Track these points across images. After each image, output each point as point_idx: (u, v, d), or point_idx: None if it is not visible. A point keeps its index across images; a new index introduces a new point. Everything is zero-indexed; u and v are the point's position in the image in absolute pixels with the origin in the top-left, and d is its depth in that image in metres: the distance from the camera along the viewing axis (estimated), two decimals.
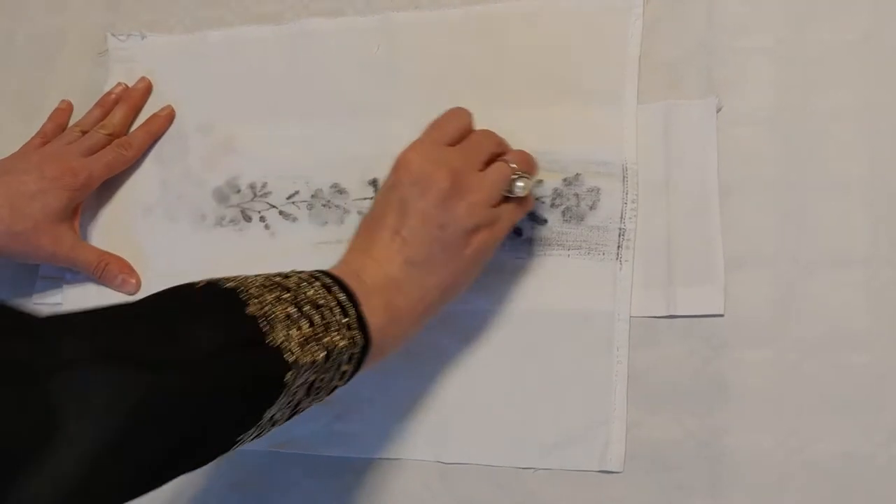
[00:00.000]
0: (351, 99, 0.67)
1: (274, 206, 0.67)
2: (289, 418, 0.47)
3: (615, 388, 0.57)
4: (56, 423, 0.36)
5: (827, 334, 0.54)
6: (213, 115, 0.70)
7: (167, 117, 0.72)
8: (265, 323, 0.44)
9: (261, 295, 0.45)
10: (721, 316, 0.56)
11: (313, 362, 0.45)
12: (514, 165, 0.54)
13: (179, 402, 0.41)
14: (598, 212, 0.59)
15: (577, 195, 0.60)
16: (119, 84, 0.73)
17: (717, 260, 0.57)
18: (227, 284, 0.46)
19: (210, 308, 0.45)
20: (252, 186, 0.68)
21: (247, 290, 0.45)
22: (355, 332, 0.48)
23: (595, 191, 0.60)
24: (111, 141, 0.70)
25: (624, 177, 0.59)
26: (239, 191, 0.68)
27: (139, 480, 0.40)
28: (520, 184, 0.54)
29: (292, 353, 0.44)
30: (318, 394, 0.48)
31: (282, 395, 0.44)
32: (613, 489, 0.56)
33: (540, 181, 0.61)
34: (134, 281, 0.69)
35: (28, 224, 0.65)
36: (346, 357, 0.48)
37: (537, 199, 0.61)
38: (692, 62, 0.61)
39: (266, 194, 0.67)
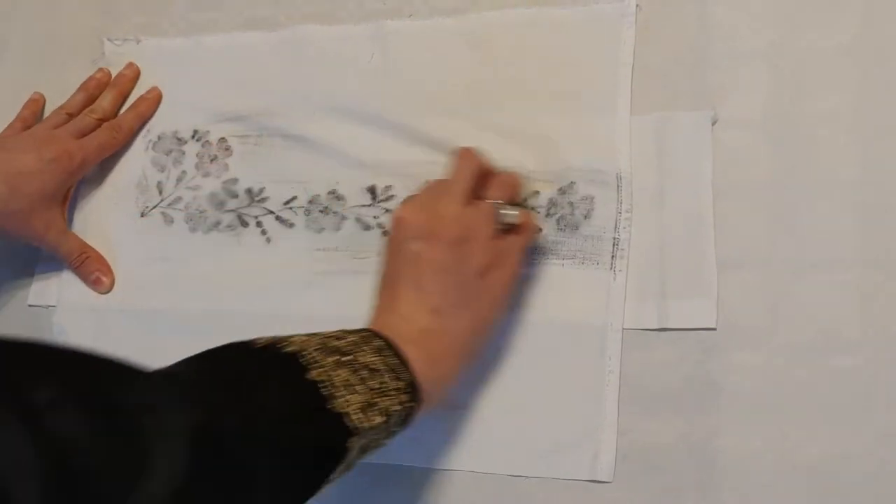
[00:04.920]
0: (346, 106, 0.67)
1: (271, 212, 0.67)
2: (338, 478, 0.47)
3: (606, 398, 0.57)
4: (147, 458, 0.36)
5: (817, 337, 0.55)
6: (209, 120, 0.70)
7: (154, 99, 0.72)
8: (326, 389, 0.45)
9: (320, 359, 0.46)
10: (713, 329, 0.57)
11: (372, 427, 0.46)
12: (492, 200, 0.56)
13: (245, 464, 0.41)
14: (593, 221, 0.60)
15: (571, 203, 0.60)
16: (100, 69, 0.74)
17: (711, 273, 0.57)
18: (288, 349, 0.46)
19: (272, 373, 0.45)
20: (249, 191, 0.68)
21: (304, 354, 0.46)
22: (407, 396, 0.49)
23: (589, 199, 0.60)
24: (100, 125, 0.70)
25: (618, 185, 0.60)
26: (236, 196, 0.68)
27: None
28: (509, 212, 0.56)
29: (352, 419, 0.45)
30: (368, 453, 0.49)
31: (343, 461, 0.46)
32: (605, 492, 0.56)
33: (535, 194, 0.61)
34: (107, 280, 0.69)
35: (24, 204, 0.65)
36: (399, 419, 0.49)
37: (532, 208, 0.61)
38: (684, 68, 0.61)
39: (263, 199, 0.67)
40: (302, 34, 0.70)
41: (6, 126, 0.72)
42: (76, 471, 0.34)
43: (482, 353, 0.57)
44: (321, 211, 0.66)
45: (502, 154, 0.62)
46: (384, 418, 0.47)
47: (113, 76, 0.73)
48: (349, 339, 0.49)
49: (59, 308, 0.70)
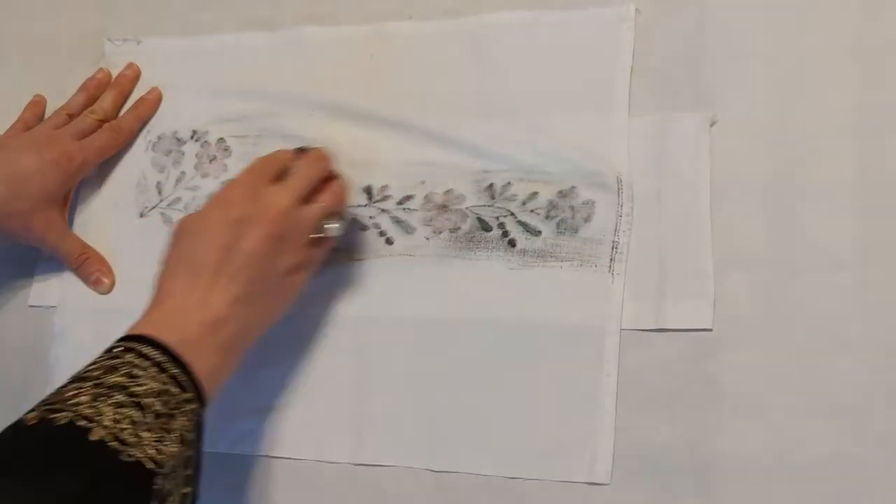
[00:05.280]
0: (345, 106, 0.67)
1: None
2: None
3: (604, 400, 0.57)
4: None
5: (816, 337, 0.55)
6: (208, 120, 0.70)
7: (155, 100, 0.72)
8: (114, 442, 0.44)
9: (98, 413, 0.44)
10: (710, 330, 0.57)
11: (172, 455, 0.46)
12: (325, 205, 0.57)
13: None
14: (593, 224, 0.60)
15: (572, 207, 0.60)
16: (101, 69, 0.74)
17: (708, 275, 0.57)
18: (61, 421, 0.44)
19: (52, 456, 0.43)
20: None
21: (81, 415, 0.44)
22: (194, 405, 0.49)
23: (590, 203, 0.60)
24: (101, 125, 0.70)
25: (619, 189, 0.60)
26: None
27: None
28: (333, 225, 0.58)
29: (152, 460, 0.44)
30: (178, 472, 0.47)
31: (156, 499, 0.44)
32: (604, 493, 0.56)
33: (533, 195, 0.61)
34: (107, 281, 0.69)
35: (24, 205, 0.65)
36: (192, 427, 0.48)
37: (532, 210, 0.61)
38: (683, 69, 0.61)
39: None
40: (301, 35, 0.70)
41: (8, 127, 0.72)
42: None
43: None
44: None
45: (501, 155, 0.63)
46: (179, 441, 0.46)
47: (113, 76, 0.74)
48: (125, 366, 0.47)
49: (60, 308, 0.70)
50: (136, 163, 0.71)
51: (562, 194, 0.61)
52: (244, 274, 0.53)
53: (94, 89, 0.73)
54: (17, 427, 0.44)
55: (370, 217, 0.64)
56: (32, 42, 0.78)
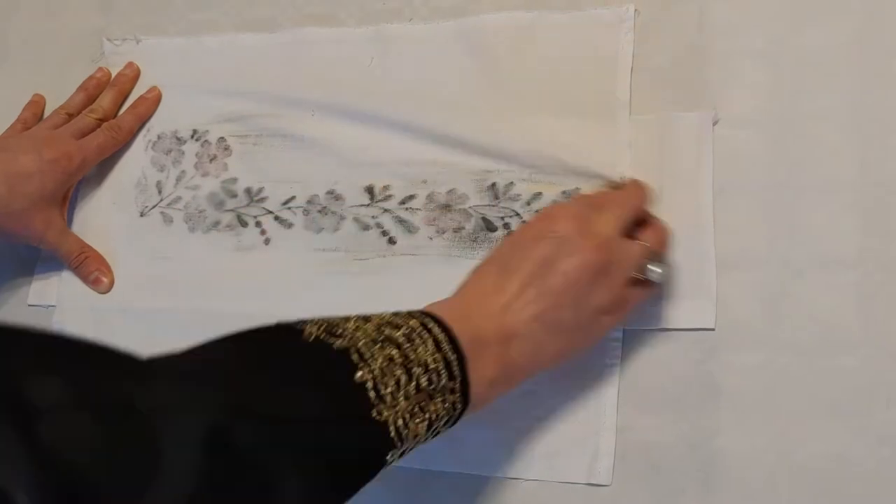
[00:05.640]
0: (345, 106, 0.67)
1: (270, 212, 0.67)
2: None
3: (605, 400, 0.57)
4: (158, 464, 0.34)
5: (817, 337, 0.55)
6: (208, 120, 0.71)
7: (154, 99, 0.72)
8: (374, 393, 0.42)
9: (371, 356, 0.43)
10: (712, 330, 0.57)
11: (416, 436, 0.44)
12: (649, 245, 0.53)
13: (266, 473, 0.39)
14: None
15: None
16: (100, 69, 0.74)
17: (710, 274, 0.57)
18: (337, 343, 0.43)
19: (315, 374, 0.43)
20: (248, 191, 0.68)
21: (357, 349, 0.43)
22: (457, 397, 0.46)
23: None
24: (100, 125, 0.70)
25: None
26: (235, 195, 0.68)
27: None
28: (655, 269, 0.53)
29: (397, 430, 0.43)
30: (405, 454, 0.46)
31: (378, 473, 0.43)
32: (605, 493, 0.56)
33: (537, 195, 0.61)
34: (106, 280, 0.69)
35: (24, 204, 0.65)
36: (443, 422, 0.46)
37: (537, 210, 0.61)
38: (684, 68, 0.61)
39: (262, 199, 0.67)
40: (301, 36, 0.70)
41: (7, 127, 0.72)
42: (76, 482, 0.32)
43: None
44: (320, 211, 0.66)
45: (502, 155, 0.62)
46: (427, 426, 0.44)
47: (113, 76, 0.74)
48: (406, 329, 0.45)
49: (59, 308, 0.70)
50: (136, 162, 0.72)
51: (565, 194, 0.61)
52: (554, 294, 0.49)
53: (94, 89, 0.73)
54: (294, 335, 0.44)
55: (372, 217, 0.64)
56: (32, 41, 0.78)
